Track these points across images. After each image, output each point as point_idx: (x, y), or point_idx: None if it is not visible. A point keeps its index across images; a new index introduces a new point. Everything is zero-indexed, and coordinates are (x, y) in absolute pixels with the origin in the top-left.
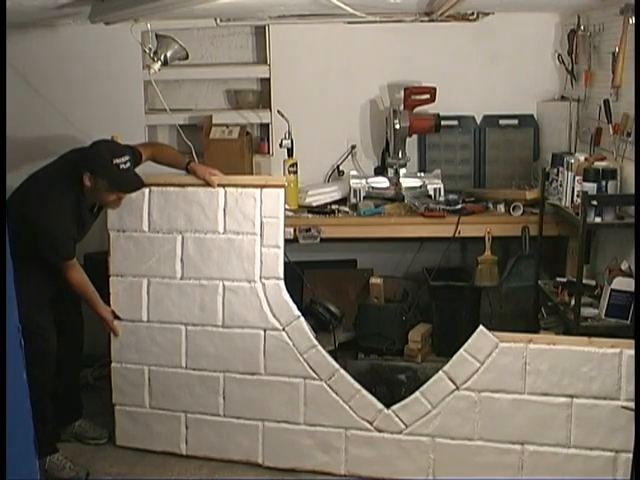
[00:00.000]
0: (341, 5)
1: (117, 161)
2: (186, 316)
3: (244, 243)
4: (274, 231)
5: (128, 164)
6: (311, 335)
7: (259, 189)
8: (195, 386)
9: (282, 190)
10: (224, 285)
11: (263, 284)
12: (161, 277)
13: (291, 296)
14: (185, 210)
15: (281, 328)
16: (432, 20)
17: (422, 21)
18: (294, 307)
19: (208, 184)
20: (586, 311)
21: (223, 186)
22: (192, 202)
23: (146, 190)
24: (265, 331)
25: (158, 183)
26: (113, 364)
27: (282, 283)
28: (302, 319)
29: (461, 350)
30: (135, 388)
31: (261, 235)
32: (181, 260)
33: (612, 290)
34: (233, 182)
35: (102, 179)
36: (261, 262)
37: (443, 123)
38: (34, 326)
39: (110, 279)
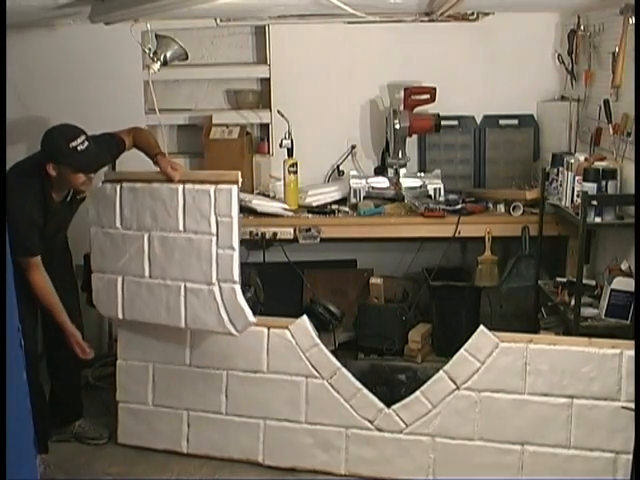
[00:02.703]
0: (341, 5)
1: (73, 144)
2: (154, 316)
3: (202, 243)
4: (228, 231)
5: (85, 143)
6: (313, 334)
7: (214, 186)
8: (198, 384)
9: (235, 187)
10: (186, 286)
11: (220, 287)
12: (133, 275)
13: (291, 296)
14: (151, 207)
15: (237, 334)
16: (432, 20)
17: (422, 21)
18: (249, 313)
19: (169, 179)
20: (586, 311)
21: (183, 182)
22: (157, 199)
23: (117, 186)
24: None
25: (128, 179)
26: (118, 361)
27: (237, 287)
28: (253, 320)
29: (462, 350)
30: (139, 386)
31: (217, 235)
32: (148, 259)
33: (612, 290)
34: (191, 178)
35: (64, 165)
36: (217, 264)
37: (443, 123)
38: None
39: (92, 275)
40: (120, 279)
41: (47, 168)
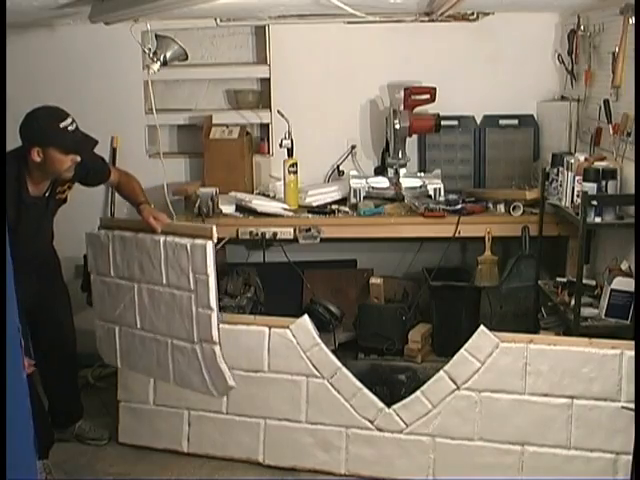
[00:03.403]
0: (341, 5)
1: (63, 124)
2: (146, 369)
3: (183, 300)
4: (205, 289)
5: (74, 124)
6: (314, 333)
7: (190, 240)
8: None
9: (210, 243)
10: (172, 343)
11: (202, 347)
12: (127, 326)
13: (291, 296)
14: (138, 258)
15: (217, 396)
16: (432, 20)
17: (422, 21)
18: (229, 376)
19: (152, 229)
20: (586, 311)
21: (165, 233)
22: (142, 250)
23: (110, 233)
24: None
25: (119, 226)
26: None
27: (217, 348)
28: (233, 384)
29: (462, 350)
30: (140, 385)
31: (196, 292)
32: (139, 311)
33: (612, 290)
34: (172, 230)
35: (54, 147)
36: (197, 323)
37: (443, 123)
38: None
39: (95, 322)
40: (117, 328)
41: (31, 153)
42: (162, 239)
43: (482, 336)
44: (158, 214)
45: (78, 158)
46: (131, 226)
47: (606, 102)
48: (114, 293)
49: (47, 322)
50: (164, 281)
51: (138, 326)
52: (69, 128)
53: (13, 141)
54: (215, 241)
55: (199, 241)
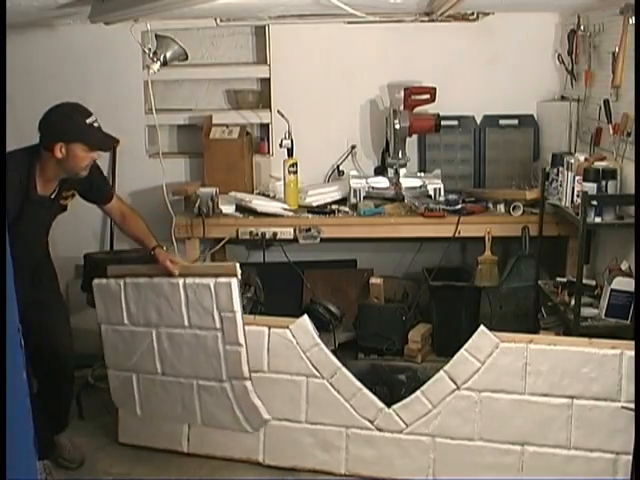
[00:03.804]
0: (341, 5)
1: (89, 120)
2: (170, 413)
3: (208, 339)
4: (232, 326)
5: (98, 121)
6: (314, 333)
7: (213, 279)
8: None
9: (235, 280)
10: (198, 384)
11: (232, 385)
12: (146, 372)
13: (291, 296)
14: (155, 302)
15: (252, 432)
16: (432, 20)
17: (422, 21)
18: (264, 410)
19: (169, 273)
20: (586, 311)
21: (183, 276)
22: (159, 294)
23: (121, 281)
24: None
25: (131, 274)
26: None
27: (249, 384)
28: (268, 418)
29: (462, 350)
30: None
31: (222, 330)
32: (159, 356)
33: (612, 290)
34: (191, 271)
35: (80, 142)
36: (226, 360)
37: (443, 123)
38: None
39: (107, 372)
40: (135, 377)
41: (54, 149)
42: (181, 281)
43: (482, 336)
44: (173, 257)
45: (96, 156)
46: (144, 272)
47: (606, 102)
48: (129, 341)
49: (40, 336)
50: (186, 323)
51: (159, 371)
52: (95, 125)
53: (13, 141)
54: (239, 278)
55: (223, 280)
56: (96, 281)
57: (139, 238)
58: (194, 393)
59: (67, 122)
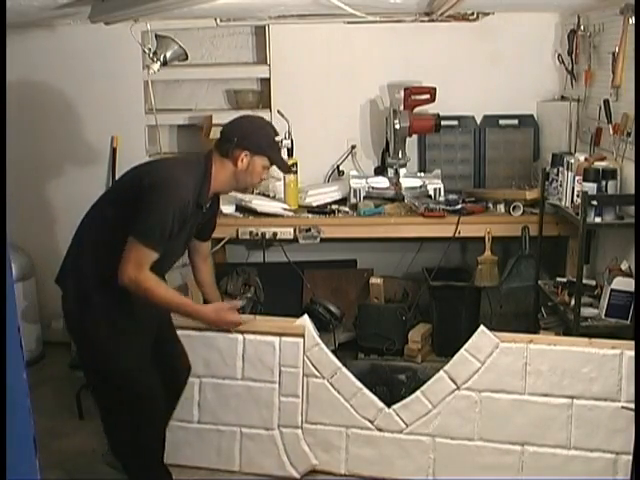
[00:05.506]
0: (341, 5)
1: (278, 138)
2: (202, 460)
3: (262, 391)
4: (293, 380)
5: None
6: (314, 333)
7: (278, 338)
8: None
9: (301, 340)
10: (241, 432)
11: (281, 432)
12: (180, 421)
13: (291, 296)
14: (204, 355)
15: (298, 477)
16: (432, 20)
17: (422, 21)
18: (312, 456)
19: (227, 330)
20: (586, 311)
21: (242, 332)
22: (211, 347)
23: None
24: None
25: (180, 326)
26: None
27: (300, 432)
28: (316, 463)
29: (462, 350)
30: None
31: (279, 383)
32: (199, 405)
33: (612, 290)
34: (252, 329)
35: (265, 157)
36: (279, 410)
37: (443, 123)
38: (139, 387)
39: None
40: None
41: (238, 157)
42: (241, 337)
43: (482, 336)
44: (233, 313)
45: (265, 175)
46: (194, 326)
47: (606, 102)
48: None
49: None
50: (238, 375)
51: (195, 420)
52: (280, 144)
53: (13, 141)
54: (306, 338)
55: (290, 339)
56: None
57: (207, 284)
58: (235, 440)
59: (262, 134)
